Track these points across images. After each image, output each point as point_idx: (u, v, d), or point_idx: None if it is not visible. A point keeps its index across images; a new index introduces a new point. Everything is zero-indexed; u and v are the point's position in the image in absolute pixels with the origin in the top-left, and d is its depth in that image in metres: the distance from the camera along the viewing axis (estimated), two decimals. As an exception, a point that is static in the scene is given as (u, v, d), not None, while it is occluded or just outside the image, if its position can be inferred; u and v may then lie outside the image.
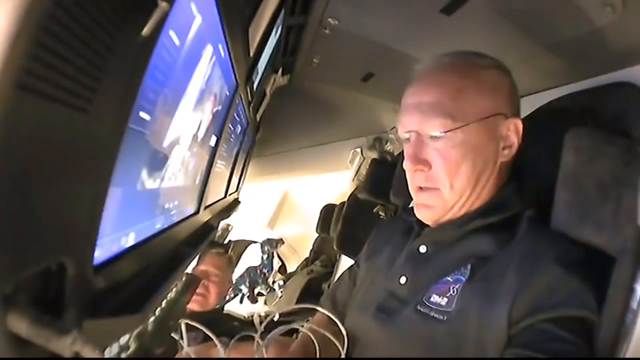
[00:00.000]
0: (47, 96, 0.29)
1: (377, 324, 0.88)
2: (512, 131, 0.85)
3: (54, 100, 0.30)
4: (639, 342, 0.65)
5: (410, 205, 0.97)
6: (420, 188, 0.86)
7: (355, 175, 2.33)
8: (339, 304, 1.12)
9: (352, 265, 1.19)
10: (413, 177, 0.86)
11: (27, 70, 0.26)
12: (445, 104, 0.80)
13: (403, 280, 0.89)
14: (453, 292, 0.79)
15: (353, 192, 2.25)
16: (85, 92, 0.34)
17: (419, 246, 0.91)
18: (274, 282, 2.23)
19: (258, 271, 2.02)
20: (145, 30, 0.38)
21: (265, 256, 2.05)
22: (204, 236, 1.14)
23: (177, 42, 0.53)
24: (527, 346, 0.69)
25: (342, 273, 1.21)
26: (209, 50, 0.69)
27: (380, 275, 0.97)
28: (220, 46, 0.76)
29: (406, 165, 0.84)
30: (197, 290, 1.86)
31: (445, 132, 0.80)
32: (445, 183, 0.82)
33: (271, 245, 2.09)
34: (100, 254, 0.48)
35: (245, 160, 2.03)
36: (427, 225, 0.93)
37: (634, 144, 0.75)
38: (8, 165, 0.28)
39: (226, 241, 2.05)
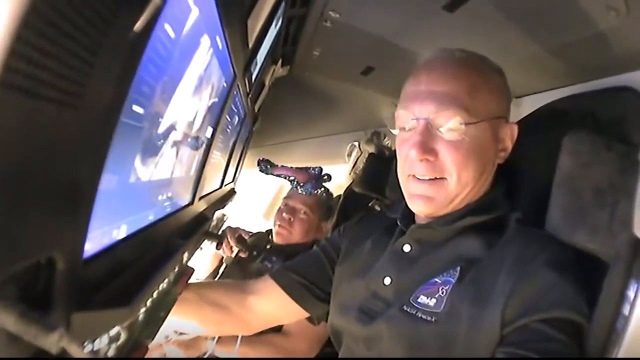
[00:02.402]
0: (34, 94, 0.28)
1: (361, 326, 0.87)
2: (509, 135, 0.86)
3: (41, 97, 0.29)
4: (630, 348, 0.65)
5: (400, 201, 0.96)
6: (419, 179, 0.84)
7: (352, 168, 2.32)
8: (302, 276, 1.09)
9: (323, 245, 1.15)
10: (412, 167, 0.84)
11: (11, 68, 0.25)
12: (461, 97, 0.80)
13: (387, 281, 0.88)
14: (442, 293, 0.79)
15: (349, 185, 2.24)
16: (75, 88, 0.33)
17: (403, 245, 0.90)
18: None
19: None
20: (138, 26, 0.37)
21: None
22: (198, 227, 1.13)
23: (172, 35, 0.52)
24: (520, 345, 0.69)
25: (312, 251, 1.16)
26: (205, 42, 0.68)
27: (360, 274, 0.95)
28: (217, 38, 0.75)
29: (409, 153, 0.82)
30: (282, 225, 1.93)
31: (465, 124, 0.79)
32: (452, 173, 0.81)
33: (265, 168, 2.10)
34: (90, 247, 0.47)
35: (242, 151, 2.02)
36: (413, 223, 0.93)
37: (632, 151, 0.74)
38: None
39: (220, 231, 2.04)
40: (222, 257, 2.05)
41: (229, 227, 2.00)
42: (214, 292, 1.13)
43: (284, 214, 1.97)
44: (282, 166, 2.09)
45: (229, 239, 1.88)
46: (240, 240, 1.86)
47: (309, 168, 2.07)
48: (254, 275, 1.80)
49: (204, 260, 2.13)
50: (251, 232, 2.09)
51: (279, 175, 2.11)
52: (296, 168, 2.07)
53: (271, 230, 2.06)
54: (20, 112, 0.28)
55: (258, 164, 2.11)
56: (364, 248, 1.01)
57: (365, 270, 0.94)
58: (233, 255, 1.90)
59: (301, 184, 2.02)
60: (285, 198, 2.05)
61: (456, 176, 0.81)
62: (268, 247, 2.01)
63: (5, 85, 0.25)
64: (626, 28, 0.79)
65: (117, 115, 0.42)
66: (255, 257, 1.96)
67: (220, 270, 1.96)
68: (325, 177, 2.10)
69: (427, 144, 0.80)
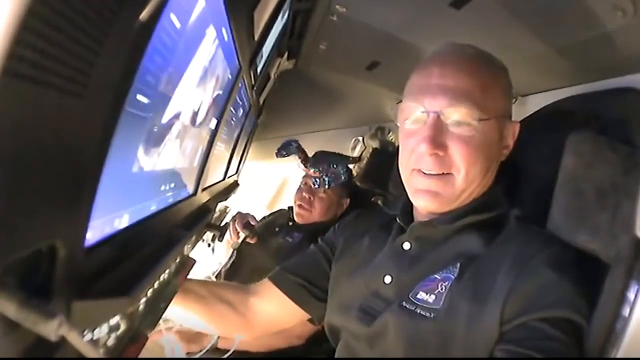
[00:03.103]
0: (38, 82, 0.28)
1: (362, 325, 0.86)
2: (511, 134, 0.86)
3: (46, 85, 0.29)
4: (628, 349, 0.65)
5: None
6: (425, 173, 0.83)
7: (356, 163, 2.31)
8: (301, 277, 1.08)
9: (319, 245, 1.14)
10: (419, 161, 0.83)
11: (16, 56, 0.25)
12: (474, 93, 0.79)
13: (388, 279, 0.87)
14: (441, 289, 0.79)
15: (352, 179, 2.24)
16: (80, 77, 0.33)
17: (403, 243, 0.90)
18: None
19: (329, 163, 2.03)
20: (144, 15, 0.37)
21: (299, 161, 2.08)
22: (200, 218, 1.13)
23: (178, 25, 0.52)
24: (519, 343, 0.69)
25: (310, 251, 1.15)
26: (211, 33, 0.68)
27: (358, 271, 0.95)
28: (223, 29, 0.74)
29: (417, 147, 0.81)
30: (303, 205, 1.93)
31: (480, 120, 0.79)
32: (460, 169, 0.81)
33: (287, 151, 2.09)
34: (92, 236, 0.47)
35: (246, 143, 2.02)
36: (412, 220, 0.92)
37: (635, 152, 0.74)
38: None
39: (222, 223, 2.04)
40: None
41: (239, 212, 2.00)
42: (224, 290, 1.13)
43: (303, 193, 1.97)
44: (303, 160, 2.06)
45: (237, 225, 1.89)
46: (247, 226, 1.87)
47: (321, 167, 2.01)
48: (275, 251, 1.83)
49: (219, 247, 2.13)
50: (260, 218, 2.09)
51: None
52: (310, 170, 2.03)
53: (292, 207, 2.06)
54: (24, 100, 0.28)
55: (282, 146, 2.07)
56: (361, 245, 1.01)
57: (363, 268, 0.94)
58: (240, 240, 1.91)
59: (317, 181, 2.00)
60: (304, 177, 2.04)
61: (464, 172, 0.81)
62: (290, 223, 2.02)
63: (9, 72, 0.25)
64: (633, 29, 0.78)
65: (121, 104, 0.42)
66: (277, 233, 1.98)
67: (232, 253, 1.96)
68: (341, 168, 2.05)
69: (438, 138, 0.80)
